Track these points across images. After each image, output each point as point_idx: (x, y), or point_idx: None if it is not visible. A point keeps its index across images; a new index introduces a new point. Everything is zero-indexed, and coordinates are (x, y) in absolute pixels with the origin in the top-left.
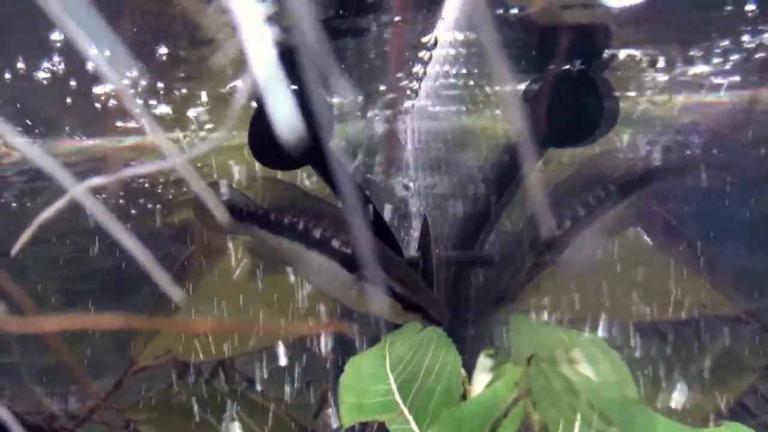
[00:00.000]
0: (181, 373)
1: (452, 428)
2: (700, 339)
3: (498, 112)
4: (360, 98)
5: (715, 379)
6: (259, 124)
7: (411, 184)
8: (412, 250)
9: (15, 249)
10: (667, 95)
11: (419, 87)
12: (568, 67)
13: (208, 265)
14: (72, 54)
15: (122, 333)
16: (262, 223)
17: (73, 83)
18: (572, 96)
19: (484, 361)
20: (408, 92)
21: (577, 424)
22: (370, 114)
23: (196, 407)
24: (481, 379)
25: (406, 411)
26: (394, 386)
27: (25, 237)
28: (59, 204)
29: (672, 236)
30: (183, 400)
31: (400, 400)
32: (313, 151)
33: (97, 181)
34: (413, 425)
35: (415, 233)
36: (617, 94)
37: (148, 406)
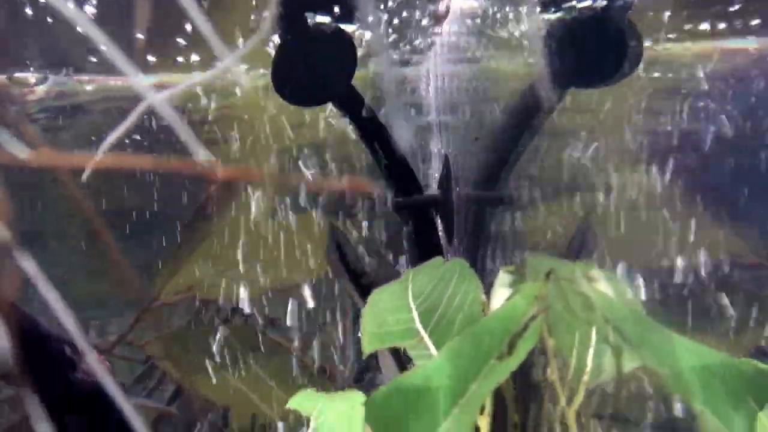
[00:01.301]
0: (201, 311)
1: (470, 343)
2: (719, 285)
3: (522, 55)
4: (389, 32)
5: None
6: (283, 59)
7: (433, 126)
8: (432, 189)
9: (86, 174)
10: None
11: (442, 29)
12: (592, 4)
13: (227, 206)
14: None
15: (145, 270)
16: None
17: None
18: (595, 35)
19: (503, 277)
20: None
21: (591, 346)
22: (397, 54)
23: (214, 346)
24: (500, 295)
25: (426, 338)
26: (415, 315)
27: (99, 154)
28: (129, 120)
29: (696, 184)
30: (202, 337)
31: (420, 328)
32: (336, 88)
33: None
34: (433, 351)
35: (436, 174)
36: (641, 34)
37: (168, 342)
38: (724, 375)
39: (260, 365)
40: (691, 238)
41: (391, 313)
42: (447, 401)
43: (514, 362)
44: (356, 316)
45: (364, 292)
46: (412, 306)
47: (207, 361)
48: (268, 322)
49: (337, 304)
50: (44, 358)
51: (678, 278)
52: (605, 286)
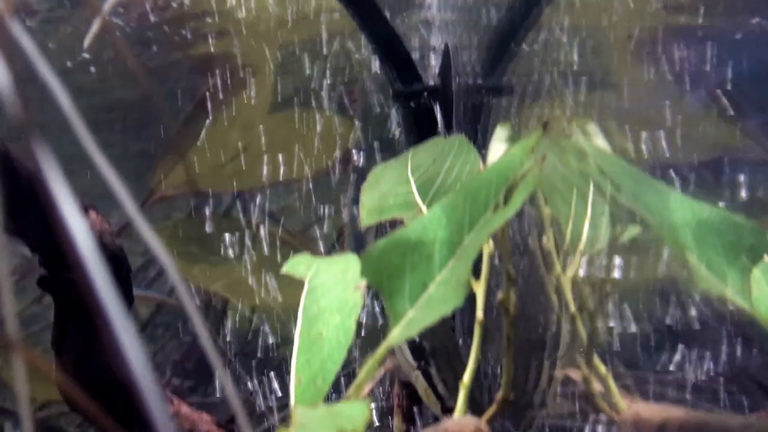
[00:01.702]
0: (200, 203)
1: (467, 196)
2: (722, 180)
3: None
4: None
5: None
6: None
7: (433, 19)
8: (431, 79)
9: (87, 40)
10: None
11: None
12: None
13: (227, 98)
14: None
15: (143, 161)
16: None
17: None
18: None
19: (500, 132)
20: None
21: (587, 217)
22: None
23: (214, 238)
24: (496, 150)
25: (424, 209)
26: (413, 187)
27: (95, 28)
28: None
29: (706, 81)
30: (202, 230)
31: (419, 200)
32: None
33: None
34: None
35: (436, 69)
36: None
37: (166, 235)
38: (720, 229)
39: (260, 257)
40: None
41: (390, 186)
42: (443, 253)
43: (510, 211)
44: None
45: None
46: (411, 179)
47: (206, 253)
48: (268, 215)
49: (339, 198)
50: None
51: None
52: (602, 140)
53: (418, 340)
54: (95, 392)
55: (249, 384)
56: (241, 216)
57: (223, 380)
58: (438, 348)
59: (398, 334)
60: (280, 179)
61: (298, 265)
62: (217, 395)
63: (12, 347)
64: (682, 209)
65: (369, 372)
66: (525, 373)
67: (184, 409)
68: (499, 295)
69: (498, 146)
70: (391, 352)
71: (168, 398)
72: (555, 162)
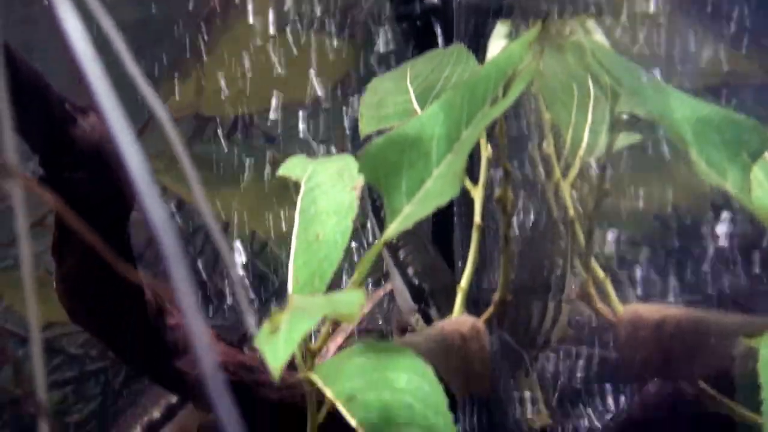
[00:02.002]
0: (203, 126)
1: (465, 92)
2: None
3: None
4: None
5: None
6: None
7: None
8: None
9: None
10: None
11: None
12: None
13: (227, 22)
14: None
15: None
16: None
17: None
18: None
19: (500, 29)
20: None
21: (588, 123)
22: None
23: (215, 161)
24: (495, 46)
25: None
26: (413, 96)
27: None
28: None
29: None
30: (204, 153)
31: (417, 107)
32: None
33: None
34: None
35: None
36: None
37: (167, 158)
38: (720, 126)
39: (261, 181)
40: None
41: (389, 96)
42: (441, 149)
43: (507, 102)
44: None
45: None
46: (410, 88)
47: (208, 176)
48: (269, 139)
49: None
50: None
51: None
52: (601, 36)
53: (417, 282)
54: (97, 301)
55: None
56: (241, 140)
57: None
58: (437, 289)
59: (394, 228)
60: (281, 103)
61: (294, 166)
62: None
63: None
64: (682, 106)
65: (367, 264)
66: (529, 314)
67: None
68: (497, 193)
69: (497, 43)
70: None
71: (169, 311)
72: (555, 67)
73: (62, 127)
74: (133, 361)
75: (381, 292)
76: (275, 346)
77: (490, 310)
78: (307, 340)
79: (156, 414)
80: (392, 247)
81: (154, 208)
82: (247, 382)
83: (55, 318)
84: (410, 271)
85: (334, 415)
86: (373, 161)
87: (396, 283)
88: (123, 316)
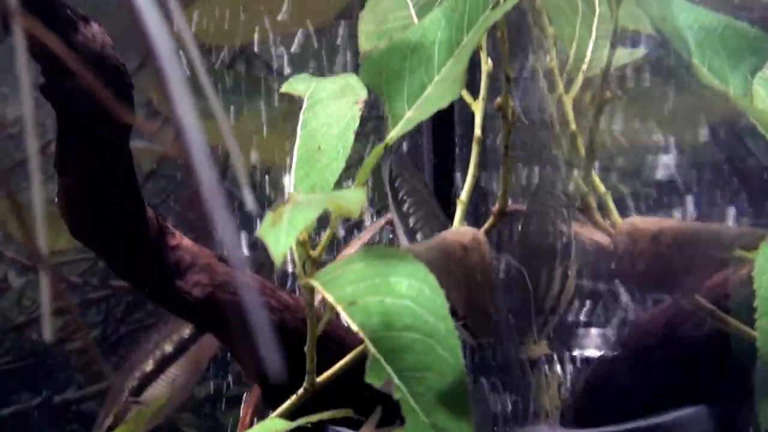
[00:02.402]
0: (205, 55)
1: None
2: None
3: None
4: None
5: None
6: None
7: None
8: None
9: None
10: None
11: None
12: None
13: None
14: None
15: None
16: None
17: None
18: None
19: None
20: None
21: (591, 39)
22: None
23: (218, 90)
24: None
25: None
26: (413, 11)
27: None
28: None
29: None
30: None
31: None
32: None
33: None
34: None
35: None
36: None
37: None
38: (723, 35)
39: (263, 112)
40: None
41: (389, 11)
42: (442, 54)
43: (507, 5)
44: None
45: None
46: (410, 3)
47: (209, 106)
48: (271, 70)
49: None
50: None
51: None
52: None
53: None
54: (98, 215)
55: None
56: (243, 70)
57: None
58: None
59: (395, 133)
60: (283, 33)
61: (297, 83)
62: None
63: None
64: (685, 13)
65: (369, 167)
66: (537, 280)
67: (186, 242)
68: (497, 101)
69: None
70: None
71: (170, 231)
72: None
73: (64, 33)
74: (135, 280)
75: (381, 222)
76: (277, 235)
77: (490, 221)
78: (307, 247)
79: (168, 348)
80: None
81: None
82: (248, 303)
83: (57, 247)
84: (419, 237)
85: (332, 331)
86: (375, 67)
87: (395, 217)
88: (124, 233)
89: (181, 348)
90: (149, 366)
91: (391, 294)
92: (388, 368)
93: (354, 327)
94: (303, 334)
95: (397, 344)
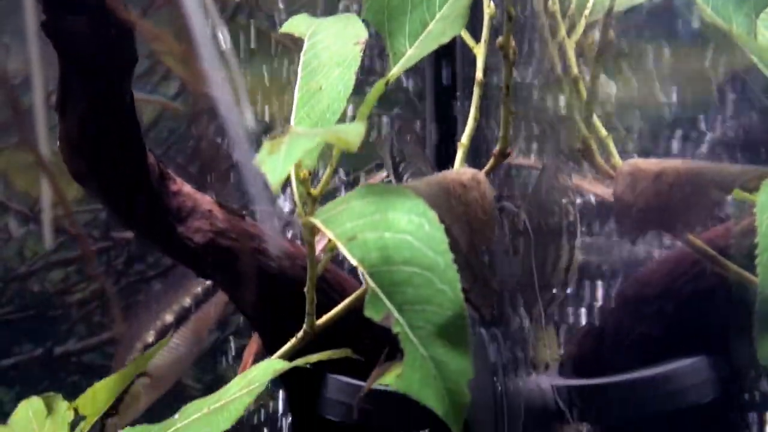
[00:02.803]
0: None
1: None
2: None
3: None
4: None
5: None
6: None
7: None
8: None
9: None
10: None
11: None
12: None
13: None
14: None
15: None
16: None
17: None
18: None
19: None
20: None
21: None
22: None
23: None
24: None
25: None
26: None
27: None
28: None
29: None
30: None
31: None
32: None
33: None
34: None
35: None
36: None
37: (174, 36)
38: None
39: (265, 64)
40: None
41: None
42: None
43: None
44: None
45: None
46: None
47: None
48: (273, 23)
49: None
50: None
51: None
52: None
53: None
54: (99, 158)
55: None
56: (245, 21)
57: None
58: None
59: (397, 70)
60: None
61: (297, 24)
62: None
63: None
64: None
65: (371, 102)
66: (544, 256)
67: (187, 188)
68: (498, 40)
69: None
70: None
71: (171, 177)
72: None
73: None
74: (135, 226)
75: (379, 177)
76: (275, 163)
77: (491, 162)
78: (308, 185)
79: (169, 318)
80: None
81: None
82: (249, 249)
83: (58, 198)
84: None
85: (332, 279)
86: (377, 4)
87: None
88: (125, 177)
89: (182, 318)
90: (150, 336)
91: (390, 229)
92: (387, 302)
93: (353, 262)
94: (303, 281)
95: (396, 278)
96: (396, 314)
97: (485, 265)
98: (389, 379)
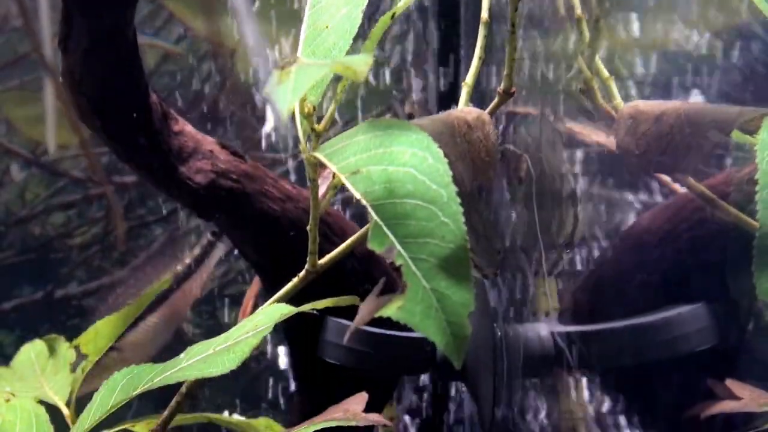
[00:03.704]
0: None
1: None
2: None
3: None
4: None
5: None
6: None
7: None
8: None
9: None
10: None
11: None
12: None
13: None
14: None
15: None
16: None
17: None
18: None
19: None
20: None
21: None
22: None
23: None
24: None
25: None
26: None
27: None
28: None
29: None
30: None
31: None
32: None
33: None
34: None
35: None
36: None
37: None
38: None
39: (269, 10)
40: None
41: None
42: None
43: None
44: None
45: None
46: None
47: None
48: None
49: None
50: None
51: None
52: None
53: None
54: (101, 96)
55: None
56: None
57: None
58: None
59: (403, 4)
60: None
61: None
62: None
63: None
64: None
65: (375, 36)
66: (549, 219)
67: (189, 128)
68: None
69: None
70: None
71: (173, 117)
72: None
73: None
74: (137, 164)
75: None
76: (284, 92)
77: (495, 101)
78: (312, 120)
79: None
80: None
81: None
82: (250, 191)
83: (59, 141)
84: None
85: (335, 224)
86: None
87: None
88: (127, 115)
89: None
90: None
91: (394, 162)
92: (390, 235)
93: (357, 195)
94: (304, 223)
95: (399, 211)
96: (398, 247)
97: (489, 224)
98: (390, 310)
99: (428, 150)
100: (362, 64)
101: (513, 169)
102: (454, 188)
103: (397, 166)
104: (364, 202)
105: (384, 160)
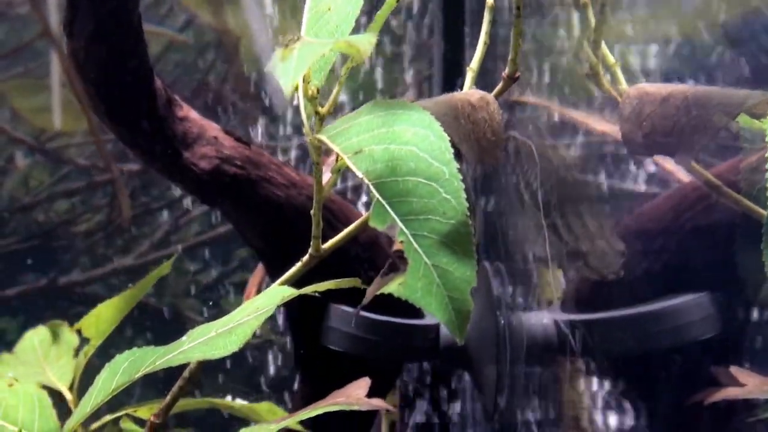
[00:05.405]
0: None
1: None
2: None
3: None
4: None
5: None
6: None
7: None
8: None
9: None
10: None
11: None
12: None
13: None
14: None
15: None
16: None
17: None
18: None
19: None
20: None
21: None
22: None
23: None
24: None
25: None
26: None
27: None
28: None
29: None
30: None
31: None
32: None
33: None
34: None
35: None
36: None
37: None
38: None
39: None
40: None
41: None
42: None
43: None
44: None
45: None
46: None
47: None
48: None
49: None
50: None
51: None
52: None
53: None
54: (105, 80)
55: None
56: None
57: None
58: None
59: None
60: None
61: None
62: None
63: None
64: None
65: (382, 18)
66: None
67: (193, 114)
68: None
69: None
70: None
71: (178, 102)
72: None
73: None
74: (141, 150)
75: None
76: (287, 69)
77: (500, 86)
78: (316, 103)
79: None
80: None
81: None
82: (254, 177)
83: (64, 128)
84: None
85: (338, 210)
86: None
87: None
88: (131, 100)
89: None
90: None
91: (396, 141)
92: (392, 212)
93: (359, 174)
94: (308, 210)
95: (401, 188)
96: (400, 224)
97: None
98: (392, 287)
99: (430, 128)
100: (366, 42)
101: (518, 152)
102: (455, 165)
103: (399, 145)
104: (366, 181)
105: (386, 140)
